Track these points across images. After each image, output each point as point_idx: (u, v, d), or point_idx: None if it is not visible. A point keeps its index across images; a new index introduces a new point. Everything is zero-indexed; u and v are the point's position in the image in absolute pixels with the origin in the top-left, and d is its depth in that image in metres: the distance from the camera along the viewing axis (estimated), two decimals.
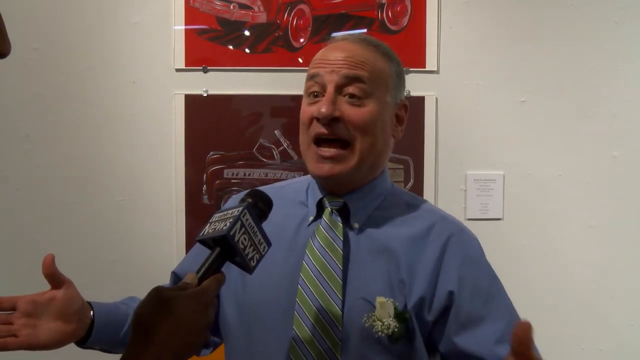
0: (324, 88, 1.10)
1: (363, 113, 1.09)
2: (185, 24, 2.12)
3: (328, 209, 1.14)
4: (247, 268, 0.94)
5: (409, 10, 2.15)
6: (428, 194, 2.16)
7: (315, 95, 1.11)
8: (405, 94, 1.19)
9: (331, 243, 1.10)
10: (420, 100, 2.15)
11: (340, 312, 1.05)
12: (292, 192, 1.21)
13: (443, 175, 2.18)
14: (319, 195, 1.16)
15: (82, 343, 1.12)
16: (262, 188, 1.28)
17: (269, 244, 0.96)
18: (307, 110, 1.12)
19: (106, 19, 2.11)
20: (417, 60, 2.15)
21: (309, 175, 1.21)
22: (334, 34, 2.13)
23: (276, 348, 1.07)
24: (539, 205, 2.20)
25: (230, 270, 0.95)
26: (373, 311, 1.04)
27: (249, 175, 2.15)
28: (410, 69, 2.15)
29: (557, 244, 2.21)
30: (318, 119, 1.08)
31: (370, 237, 1.12)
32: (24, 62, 2.08)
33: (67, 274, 2.28)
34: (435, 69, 2.17)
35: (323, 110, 1.07)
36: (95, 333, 1.11)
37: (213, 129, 2.14)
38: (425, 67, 2.16)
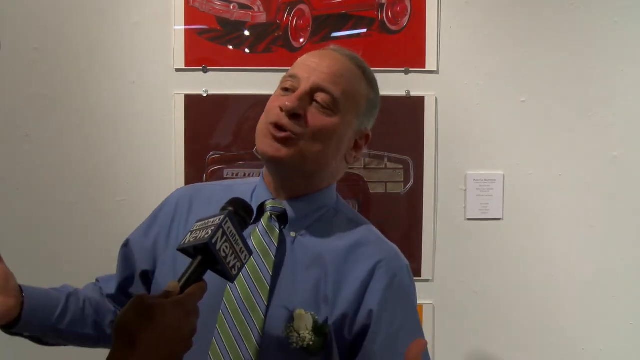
0: (296, 88, 1.12)
1: (324, 120, 1.11)
2: (185, 24, 2.12)
3: (267, 214, 1.14)
4: (229, 276, 0.94)
5: (409, 10, 2.15)
6: (428, 194, 2.16)
7: (286, 90, 1.14)
8: (370, 124, 1.21)
9: (265, 248, 1.10)
10: (420, 100, 2.15)
11: (263, 317, 1.05)
12: (238, 193, 1.20)
13: (443, 175, 2.18)
14: (262, 199, 1.16)
15: (12, 326, 1.10)
16: (210, 184, 1.30)
17: (250, 252, 0.96)
18: (275, 99, 1.15)
19: (106, 19, 2.11)
20: (417, 60, 2.15)
21: (258, 178, 1.22)
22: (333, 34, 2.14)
23: (197, 346, 1.05)
24: (539, 205, 2.20)
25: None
26: (292, 322, 1.05)
27: (249, 175, 2.15)
28: (410, 69, 2.15)
29: (557, 244, 2.20)
30: (282, 110, 1.10)
31: (305, 247, 1.12)
32: (24, 62, 2.08)
33: (67, 273, 2.28)
34: (435, 69, 2.16)
35: (288, 103, 1.09)
36: (25, 315, 1.09)
37: (213, 129, 2.14)
38: (425, 67, 2.16)
